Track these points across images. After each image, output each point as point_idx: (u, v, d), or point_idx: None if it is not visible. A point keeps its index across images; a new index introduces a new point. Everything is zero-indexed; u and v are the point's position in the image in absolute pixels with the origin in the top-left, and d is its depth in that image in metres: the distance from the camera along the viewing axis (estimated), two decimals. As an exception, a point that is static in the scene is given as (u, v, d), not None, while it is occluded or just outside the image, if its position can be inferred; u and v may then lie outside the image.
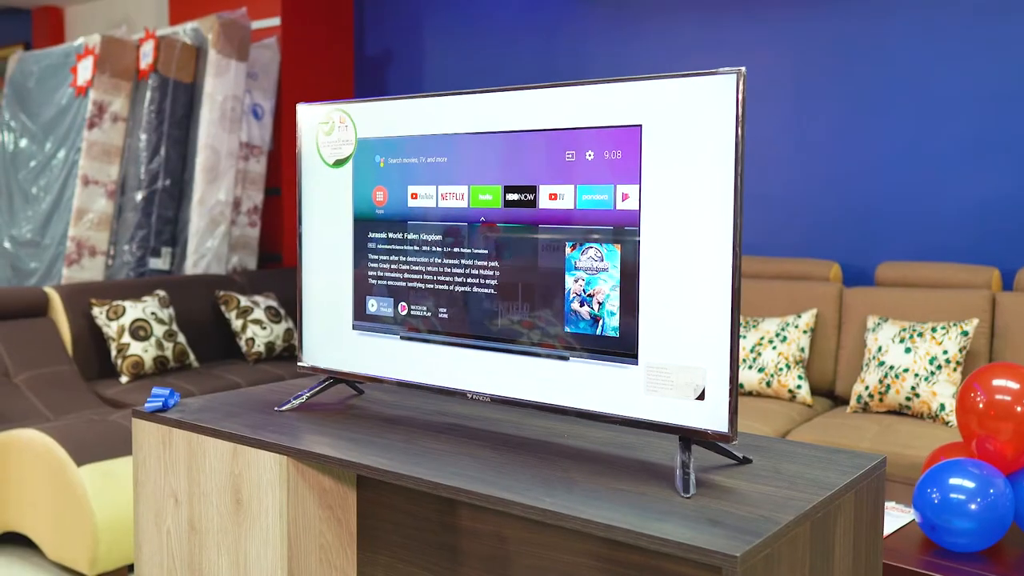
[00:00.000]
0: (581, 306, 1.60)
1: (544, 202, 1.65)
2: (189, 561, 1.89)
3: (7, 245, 5.46)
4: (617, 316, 1.56)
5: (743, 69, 1.42)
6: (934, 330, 3.57)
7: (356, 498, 1.88)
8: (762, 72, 4.39)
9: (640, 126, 1.52)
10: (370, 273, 1.91)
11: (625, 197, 1.54)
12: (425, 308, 1.83)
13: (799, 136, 4.35)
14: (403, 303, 1.86)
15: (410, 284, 1.85)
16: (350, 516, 1.86)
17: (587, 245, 1.59)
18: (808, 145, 4.33)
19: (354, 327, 1.94)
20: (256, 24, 5.48)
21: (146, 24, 6.45)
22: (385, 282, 1.89)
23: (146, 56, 5.05)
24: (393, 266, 1.87)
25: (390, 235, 1.87)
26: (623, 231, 1.55)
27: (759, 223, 4.42)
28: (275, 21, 5.51)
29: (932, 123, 4.01)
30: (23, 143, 5.48)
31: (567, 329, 1.62)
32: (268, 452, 1.72)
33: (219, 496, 1.82)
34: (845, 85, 4.21)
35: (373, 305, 1.90)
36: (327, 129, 1.95)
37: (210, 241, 5.08)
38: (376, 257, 1.89)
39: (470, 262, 1.75)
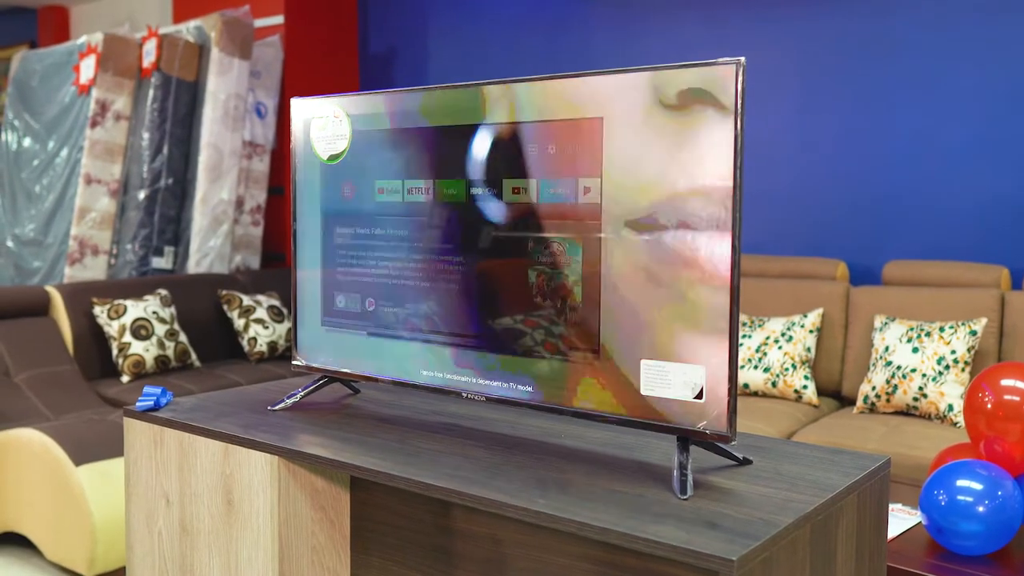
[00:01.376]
0: (565, 301, 1.57)
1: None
2: (181, 563, 1.86)
3: (10, 244, 5.44)
4: (603, 312, 1.52)
5: (742, 60, 1.38)
6: (942, 330, 3.52)
7: (350, 499, 1.84)
8: (768, 70, 4.34)
9: (637, 118, 1.48)
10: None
11: (622, 191, 1.51)
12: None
13: (805, 134, 4.30)
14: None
15: (378, 280, 1.82)
16: (343, 517, 1.83)
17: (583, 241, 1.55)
18: (814, 143, 4.28)
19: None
20: (259, 22, 5.46)
21: (150, 22, 6.44)
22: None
23: (149, 54, 5.03)
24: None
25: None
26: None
27: (765, 222, 4.37)
28: (278, 19, 5.48)
29: (940, 120, 3.96)
30: (26, 142, 5.46)
31: (554, 328, 1.59)
32: (259, 452, 1.69)
33: (210, 497, 1.79)
34: (852, 82, 4.17)
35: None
36: (321, 124, 1.91)
37: (213, 240, 5.05)
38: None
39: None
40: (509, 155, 1.63)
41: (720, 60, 1.40)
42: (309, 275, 1.97)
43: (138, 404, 1.92)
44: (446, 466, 1.54)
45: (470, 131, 1.68)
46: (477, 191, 1.67)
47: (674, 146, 1.45)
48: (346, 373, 1.93)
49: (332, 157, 1.90)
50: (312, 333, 1.97)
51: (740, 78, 1.38)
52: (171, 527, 1.87)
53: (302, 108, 1.95)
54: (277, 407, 1.93)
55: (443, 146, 1.73)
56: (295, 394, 1.97)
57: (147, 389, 1.93)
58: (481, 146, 1.67)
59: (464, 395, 1.72)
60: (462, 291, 1.72)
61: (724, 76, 1.39)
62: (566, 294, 1.58)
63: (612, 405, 1.53)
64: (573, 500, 1.37)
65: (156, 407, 1.92)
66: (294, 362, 2.01)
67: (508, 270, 1.65)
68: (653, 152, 1.47)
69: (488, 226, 1.67)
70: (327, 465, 1.60)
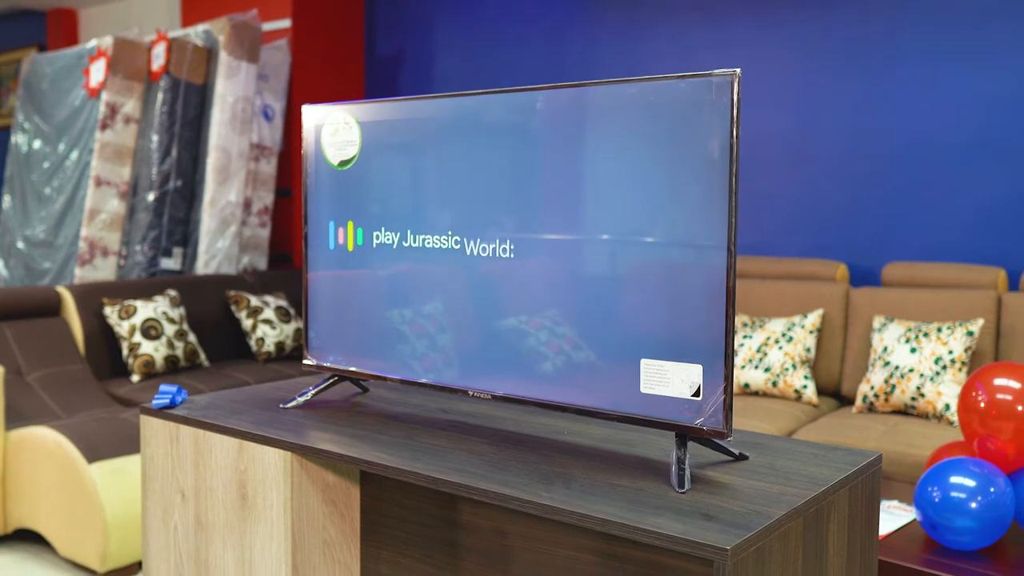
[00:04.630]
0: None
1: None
2: (196, 556, 1.92)
3: (21, 245, 5.51)
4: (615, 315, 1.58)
5: (738, 71, 1.44)
6: (940, 330, 3.57)
7: (360, 494, 1.90)
8: (770, 72, 4.40)
9: (637, 127, 1.54)
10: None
11: (623, 197, 1.57)
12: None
13: (807, 136, 4.36)
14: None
15: (386, 282, 1.88)
16: (353, 511, 1.89)
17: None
18: (815, 146, 4.34)
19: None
20: (267, 26, 5.52)
21: (158, 26, 6.50)
22: (388, 284, 1.92)
23: (158, 58, 5.09)
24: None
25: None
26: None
27: (766, 223, 4.43)
28: (286, 23, 5.54)
29: (938, 124, 4.01)
30: (36, 144, 5.53)
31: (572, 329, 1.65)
32: (273, 448, 1.75)
33: (225, 491, 1.85)
34: (852, 86, 4.22)
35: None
36: (332, 130, 1.97)
37: (221, 241, 5.12)
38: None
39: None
40: (508, 159, 1.69)
41: (716, 72, 1.45)
42: (319, 277, 2.03)
43: (154, 402, 1.98)
44: (454, 461, 1.60)
45: (468, 139, 1.74)
46: (481, 195, 1.73)
47: (671, 152, 1.51)
48: (355, 372, 1.99)
49: (343, 163, 1.96)
50: (322, 333, 2.03)
51: (736, 88, 1.44)
52: (186, 521, 1.93)
53: (313, 114, 2.02)
54: (289, 405, 1.99)
55: (445, 151, 1.79)
56: (306, 392, 2.03)
57: (163, 387, 1.99)
58: (480, 151, 1.73)
59: (470, 393, 1.78)
60: (467, 291, 1.78)
61: (721, 87, 1.45)
62: (568, 295, 1.64)
63: (613, 403, 1.59)
64: (575, 493, 1.43)
65: (172, 405, 1.98)
66: (305, 361, 2.07)
67: (511, 271, 1.71)
68: (651, 158, 1.53)
69: (491, 227, 1.73)
70: (338, 460, 1.66)
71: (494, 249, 1.73)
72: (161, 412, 1.97)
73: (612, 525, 1.31)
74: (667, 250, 1.51)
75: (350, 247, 1.97)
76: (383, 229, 1.91)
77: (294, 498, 1.75)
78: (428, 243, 1.83)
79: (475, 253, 1.76)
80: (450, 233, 1.80)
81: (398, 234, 1.88)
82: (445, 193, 1.81)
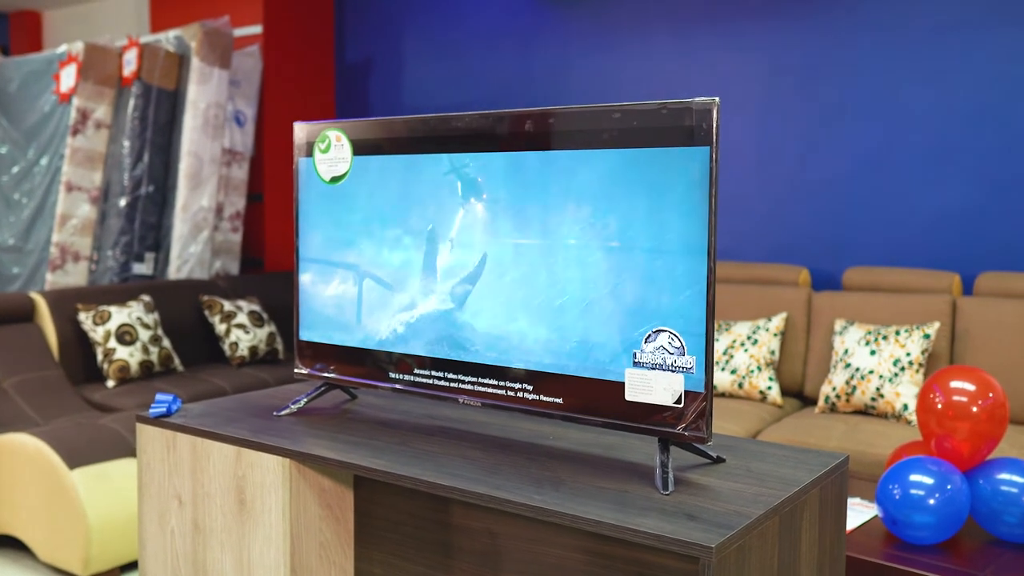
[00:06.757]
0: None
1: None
2: (193, 559, 1.98)
3: (-11, 250, 5.50)
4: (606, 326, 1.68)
5: (717, 100, 1.54)
6: (898, 333, 3.72)
7: (353, 497, 1.98)
8: (734, 83, 4.52)
9: (622, 151, 1.64)
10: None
11: (608, 216, 1.66)
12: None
13: (770, 145, 4.49)
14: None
15: (375, 291, 1.96)
16: (348, 515, 1.97)
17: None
18: (779, 155, 4.48)
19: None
20: (238, 32, 5.55)
21: (125, 30, 6.50)
22: (374, 294, 2.00)
23: (129, 63, 5.11)
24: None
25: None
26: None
27: (732, 230, 4.56)
28: (257, 29, 5.58)
29: (897, 134, 4.17)
30: (4, 149, 5.52)
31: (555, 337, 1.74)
32: (270, 455, 1.82)
33: (223, 497, 1.92)
34: (815, 97, 4.36)
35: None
36: (324, 147, 2.05)
37: (193, 246, 5.15)
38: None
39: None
40: (497, 174, 1.78)
41: (696, 100, 1.55)
42: (310, 287, 2.11)
43: (151, 411, 2.04)
44: (448, 466, 1.68)
45: (457, 156, 1.83)
46: (469, 207, 1.82)
47: (654, 171, 1.60)
48: (347, 380, 2.06)
49: (334, 179, 2.04)
50: (312, 342, 2.11)
51: (716, 115, 1.54)
52: (183, 526, 2.00)
53: (304, 131, 2.09)
54: (283, 412, 2.06)
55: (434, 167, 1.87)
56: (299, 400, 2.10)
57: (159, 396, 2.05)
58: (468, 168, 1.82)
59: (461, 401, 1.86)
60: (454, 299, 1.87)
61: (701, 113, 1.55)
62: (557, 304, 1.73)
63: (600, 409, 1.68)
64: (565, 496, 1.52)
65: (168, 413, 2.05)
66: (296, 370, 2.14)
67: (497, 279, 1.80)
68: (632, 176, 1.63)
69: (480, 237, 1.81)
70: (336, 466, 1.74)
71: (482, 257, 1.82)
72: (157, 420, 2.03)
73: (604, 526, 1.41)
74: (651, 262, 1.61)
75: (339, 259, 2.04)
76: (371, 241, 1.98)
77: (292, 502, 1.83)
78: (415, 253, 1.91)
79: (462, 261, 1.84)
80: (438, 240, 1.88)
81: (386, 246, 1.96)
82: (434, 205, 1.89)
